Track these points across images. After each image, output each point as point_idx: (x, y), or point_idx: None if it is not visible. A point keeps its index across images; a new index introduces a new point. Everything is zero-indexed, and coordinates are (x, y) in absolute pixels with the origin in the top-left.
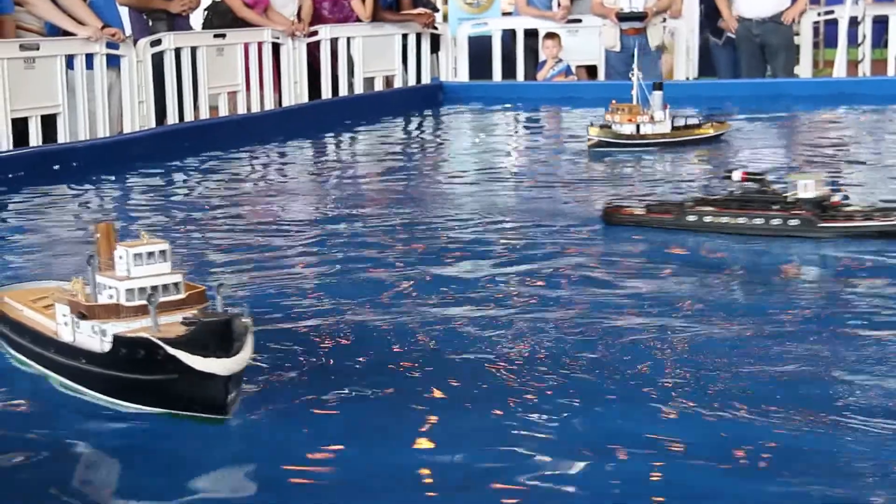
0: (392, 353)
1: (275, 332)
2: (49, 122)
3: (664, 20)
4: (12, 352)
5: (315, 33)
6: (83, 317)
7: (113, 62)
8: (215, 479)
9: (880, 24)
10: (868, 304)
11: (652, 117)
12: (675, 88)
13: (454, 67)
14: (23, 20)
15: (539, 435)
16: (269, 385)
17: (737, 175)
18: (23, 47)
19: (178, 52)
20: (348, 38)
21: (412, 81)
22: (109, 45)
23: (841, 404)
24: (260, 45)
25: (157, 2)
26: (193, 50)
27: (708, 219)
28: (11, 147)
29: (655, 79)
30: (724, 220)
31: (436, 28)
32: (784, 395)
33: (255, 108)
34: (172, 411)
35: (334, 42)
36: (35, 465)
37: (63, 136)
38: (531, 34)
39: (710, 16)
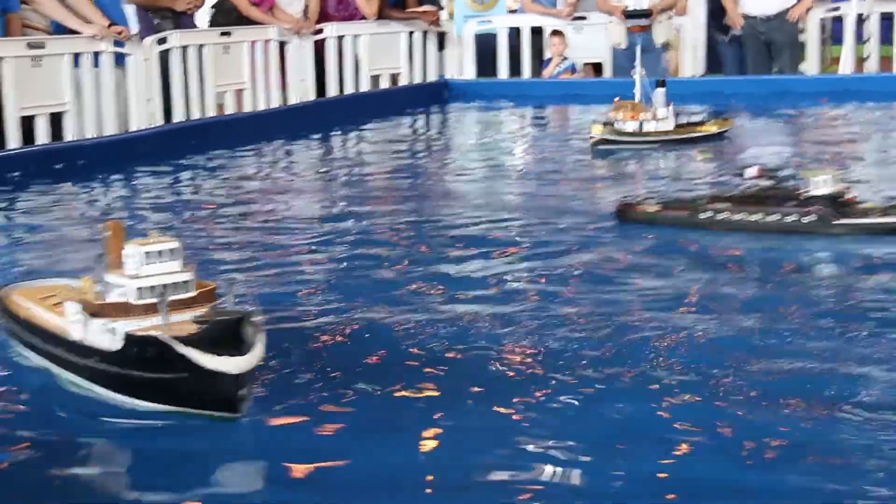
0: (401, 351)
1: (283, 331)
2: (56, 120)
3: (670, 17)
4: (21, 349)
5: (321, 31)
6: (94, 315)
7: (119, 60)
8: (226, 477)
9: (887, 20)
10: (884, 301)
11: (655, 115)
12: (680, 85)
13: (460, 65)
14: (29, 18)
15: (550, 436)
16: (280, 383)
17: (751, 172)
18: (29, 45)
19: (184, 50)
20: (354, 36)
21: (418, 79)
22: (116, 44)
23: (855, 400)
24: (266, 42)
25: (163, 0)
26: (200, 48)
27: (722, 216)
28: (19, 145)
29: (661, 76)
30: (739, 217)
31: (441, 26)
32: (798, 390)
33: (262, 106)
34: (183, 409)
35: (340, 40)
36: (43, 463)
37: (70, 134)
38: (537, 31)
39: (715, 13)
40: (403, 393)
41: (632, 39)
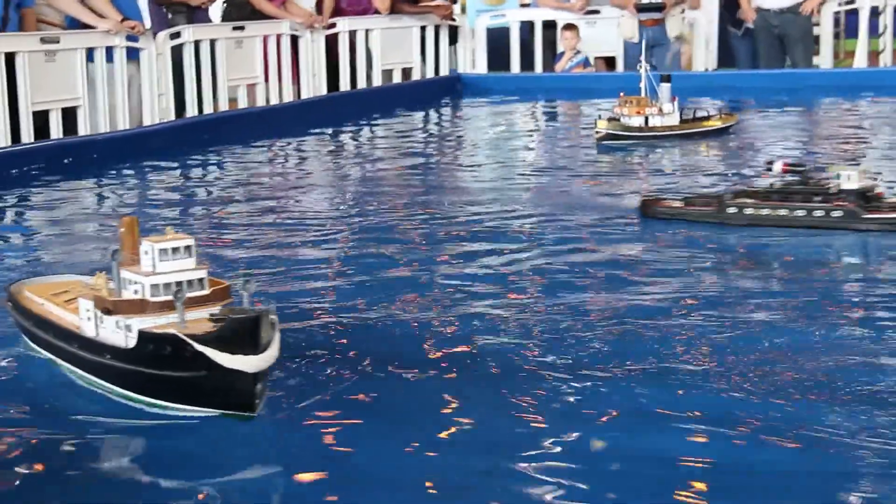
0: (417, 347)
1: (296, 328)
2: (69, 115)
3: (683, 11)
4: (33, 345)
5: (333, 25)
6: (108, 312)
7: (133, 55)
8: (240, 476)
9: None
10: None
11: (660, 109)
12: (694, 79)
13: (472, 59)
14: (43, 13)
15: (564, 440)
16: (295, 381)
17: (777, 166)
18: (43, 40)
19: (197, 44)
20: (367, 31)
21: (430, 73)
22: (129, 38)
23: (887, 393)
24: (279, 37)
25: None
26: (212, 42)
27: (748, 211)
28: (32, 140)
29: (674, 70)
30: (765, 212)
31: (454, 20)
32: (825, 383)
33: (274, 101)
34: (197, 408)
35: (353, 34)
36: (52, 460)
37: (83, 129)
38: (549, 25)
39: (728, 6)
40: (419, 389)
41: (644, 33)
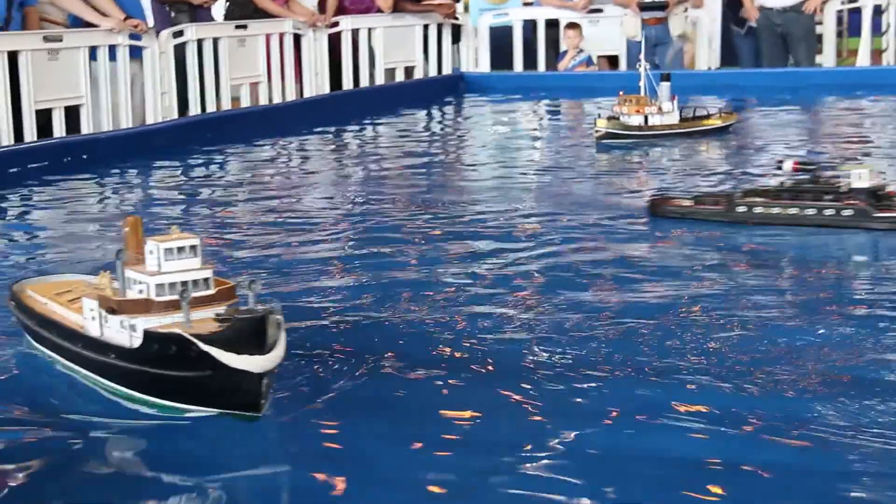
0: (419, 349)
1: (300, 328)
2: (72, 114)
3: (686, 9)
4: (35, 344)
5: (336, 24)
6: (112, 311)
7: (136, 53)
8: (246, 476)
9: None
10: None
11: (660, 108)
12: (697, 78)
13: (475, 58)
14: (46, 12)
15: (567, 439)
16: (299, 381)
17: (788, 165)
18: (46, 39)
19: (200, 43)
20: (369, 29)
21: (433, 72)
22: (132, 37)
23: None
24: (281, 36)
25: None
26: (215, 41)
27: (758, 210)
28: (35, 138)
29: (676, 69)
30: (776, 211)
31: (457, 18)
32: (828, 382)
33: (277, 99)
34: (203, 408)
35: (355, 33)
36: (56, 461)
37: (86, 128)
38: (552, 24)
39: (731, 5)
40: (423, 388)
41: (647, 32)
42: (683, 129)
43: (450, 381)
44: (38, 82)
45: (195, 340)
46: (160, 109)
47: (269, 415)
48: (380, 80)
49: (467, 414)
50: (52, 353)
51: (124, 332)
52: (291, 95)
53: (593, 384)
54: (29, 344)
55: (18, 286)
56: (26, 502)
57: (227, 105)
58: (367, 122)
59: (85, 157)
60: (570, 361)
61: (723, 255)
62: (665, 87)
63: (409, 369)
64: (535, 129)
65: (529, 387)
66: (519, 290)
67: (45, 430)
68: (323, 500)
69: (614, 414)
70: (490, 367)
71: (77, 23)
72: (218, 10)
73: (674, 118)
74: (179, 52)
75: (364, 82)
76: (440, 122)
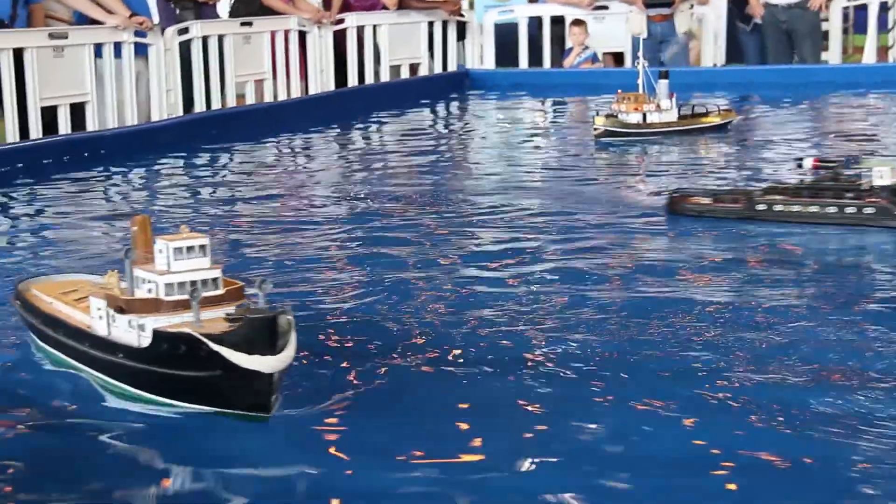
0: (428, 348)
1: (306, 327)
2: (78, 111)
3: (691, 6)
4: (41, 343)
5: (341, 21)
6: (121, 311)
7: (141, 51)
8: (253, 477)
9: None
10: None
11: (658, 106)
12: (702, 75)
13: (480, 55)
14: (52, 9)
15: (575, 438)
16: (309, 382)
17: (808, 162)
18: (52, 36)
19: (205, 40)
20: (374, 26)
21: (438, 69)
22: (137, 34)
23: None
24: (286, 33)
25: None
26: (220, 38)
27: (778, 207)
28: (40, 135)
29: (682, 66)
30: (796, 208)
31: (462, 15)
32: (849, 381)
33: (282, 96)
34: (212, 409)
35: (360, 30)
36: (61, 461)
37: (91, 125)
38: (558, 21)
39: (737, 2)
40: (430, 387)
41: (653, 29)
42: (682, 127)
43: (457, 380)
44: (43, 79)
45: (205, 340)
46: (165, 106)
47: (276, 415)
48: (385, 77)
49: (476, 411)
50: (57, 353)
51: (132, 332)
52: (296, 92)
53: (605, 381)
54: (34, 343)
55: (24, 285)
56: (27, 502)
57: (232, 102)
58: (372, 119)
59: (86, 154)
60: (581, 358)
61: (742, 253)
62: (663, 84)
63: (416, 367)
64: (540, 127)
65: (539, 384)
66: (529, 289)
67: (47, 431)
68: (330, 499)
69: (625, 410)
70: (498, 365)
71: (82, 20)
72: (223, 7)
73: (672, 116)
74: (185, 49)
75: (369, 79)
76: (445, 119)
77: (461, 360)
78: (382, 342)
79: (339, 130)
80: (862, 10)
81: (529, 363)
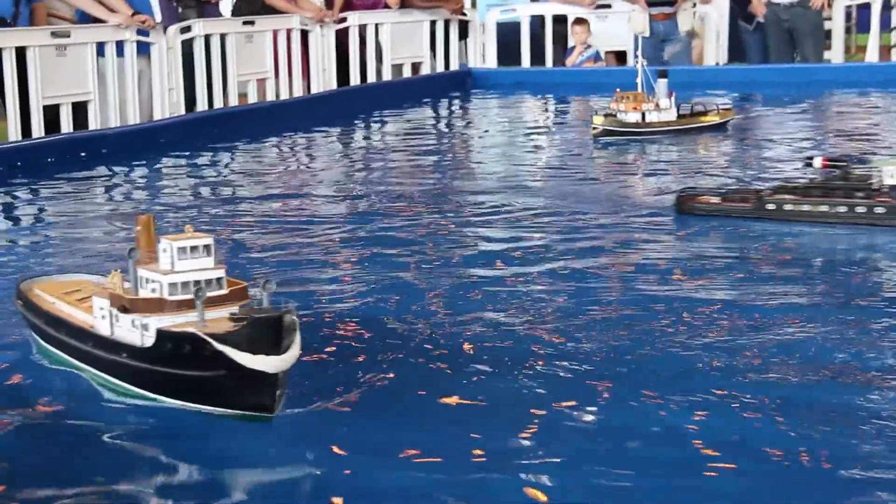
0: (431, 347)
1: (309, 327)
2: (80, 109)
3: (694, 5)
4: (43, 343)
5: (344, 20)
6: (125, 310)
7: (143, 49)
8: (256, 476)
9: None
10: None
11: (657, 105)
12: (704, 74)
13: (482, 54)
14: (54, 7)
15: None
16: (311, 382)
17: (817, 161)
18: (54, 35)
19: (207, 39)
20: (377, 25)
21: (440, 68)
22: (140, 33)
23: None
24: (289, 31)
25: None
26: (223, 37)
27: (788, 207)
28: (42, 134)
29: (685, 65)
30: (805, 208)
31: (464, 14)
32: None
33: (284, 95)
34: (215, 409)
35: (363, 29)
36: (64, 462)
37: (94, 123)
38: (560, 20)
39: (739, 1)
40: (437, 385)
41: (655, 28)
42: (681, 126)
43: (458, 380)
44: (45, 78)
45: (210, 340)
46: (167, 105)
47: (278, 414)
48: (387, 75)
49: (476, 411)
50: (60, 352)
51: (136, 331)
52: (298, 91)
53: (606, 381)
54: (36, 343)
55: (26, 285)
56: (28, 502)
57: (234, 101)
58: (374, 117)
59: (84, 154)
60: (582, 358)
61: (750, 253)
62: (662, 83)
63: (417, 367)
64: (542, 126)
65: (539, 384)
66: (533, 287)
67: (47, 431)
68: (331, 498)
69: (625, 409)
70: (498, 365)
71: (85, 18)
72: (225, 6)
73: (671, 115)
74: (187, 47)
75: (371, 78)
76: (447, 118)
77: (461, 360)
78: (384, 342)
79: (341, 129)
80: (865, 8)
81: (530, 363)
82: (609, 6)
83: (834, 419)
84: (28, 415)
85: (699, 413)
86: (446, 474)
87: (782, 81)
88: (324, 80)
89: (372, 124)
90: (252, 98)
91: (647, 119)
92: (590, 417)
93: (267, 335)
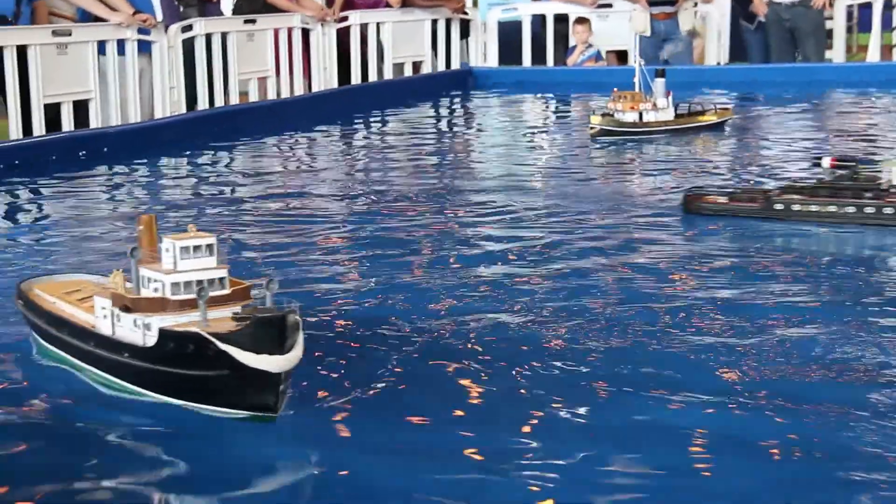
0: (433, 346)
1: (311, 326)
2: (81, 108)
3: (695, 4)
4: (44, 343)
5: (345, 19)
6: (126, 310)
7: (144, 48)
8: (258, 476)
9: None
10: None
11: (655, 104)
12: (705, 73)
13: (484, 53)
14: (55, 6)
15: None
16: (315, 381)
17: (826, 161)
18: (55, 33)
19: (208, 37)
20: (378, 24)
21: (441, 67)
22: (141, 31)
23: None
24: (290, 30)
25: None
26: (224, 35)
27: (796, 207)
28: (43, 132)
29: (685, 64)
30: (814, 208)
31: (465, 13)
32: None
33: (285, 94)
34: (217, 409)
35: (364, 28)
36: (65, 462)
37: (95, 122)
38: (561, 19)
39: (741, 0)
40: (439, 384)
41: (656, 27)
42: (678, 126)
43: (458, 379)
44: (46, 76)
45: (213, 339)
46: (168, 104)
47: (285, 416)
48: (388, 74)
49: (477, 411)
50: (61, 352)
51: (138, 331)
52: (300, 90)
53: (606, 381)
54: (37, 343)
55: (26, 285)
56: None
57: (235, 100)
58: (375, 116)
59: (85, 153)
60: (582, 358)
61: (758, 252)
62: (660, 83)
63: (418, 367)
64: (543, 125)
65: (539, 384)
66: (534, 287)
67: (47, 431)
68: (336, 497)
69: (626, 409)
70: (499, 365)
71: (86, 17)
72: (227, 4)
73: (669, 114)
74: (188, 46)
75: (372, 77)
76: (448, 117)
77: (462, 360)
78: (385, 342)
79: (342, 128)
80: (866, 8)
81: (530, 363)
82: (610, 5)
83: (835, 419)
84: (28, 415)
85: (699, 413)
86: (446, 474)
87: (783, 81)
88: (325, 78)
89: (373, 123)
90: (253, 97)
91: (645, 119)
92: (590, 417)
93: (270, 335)
